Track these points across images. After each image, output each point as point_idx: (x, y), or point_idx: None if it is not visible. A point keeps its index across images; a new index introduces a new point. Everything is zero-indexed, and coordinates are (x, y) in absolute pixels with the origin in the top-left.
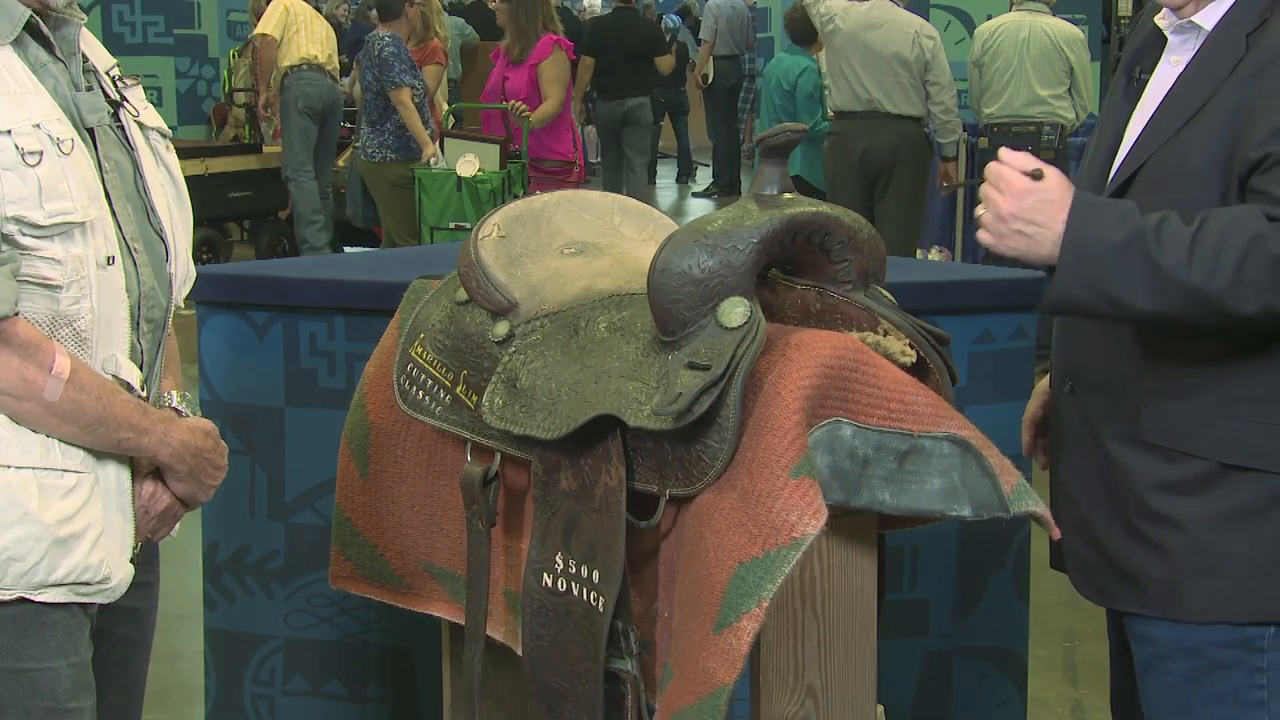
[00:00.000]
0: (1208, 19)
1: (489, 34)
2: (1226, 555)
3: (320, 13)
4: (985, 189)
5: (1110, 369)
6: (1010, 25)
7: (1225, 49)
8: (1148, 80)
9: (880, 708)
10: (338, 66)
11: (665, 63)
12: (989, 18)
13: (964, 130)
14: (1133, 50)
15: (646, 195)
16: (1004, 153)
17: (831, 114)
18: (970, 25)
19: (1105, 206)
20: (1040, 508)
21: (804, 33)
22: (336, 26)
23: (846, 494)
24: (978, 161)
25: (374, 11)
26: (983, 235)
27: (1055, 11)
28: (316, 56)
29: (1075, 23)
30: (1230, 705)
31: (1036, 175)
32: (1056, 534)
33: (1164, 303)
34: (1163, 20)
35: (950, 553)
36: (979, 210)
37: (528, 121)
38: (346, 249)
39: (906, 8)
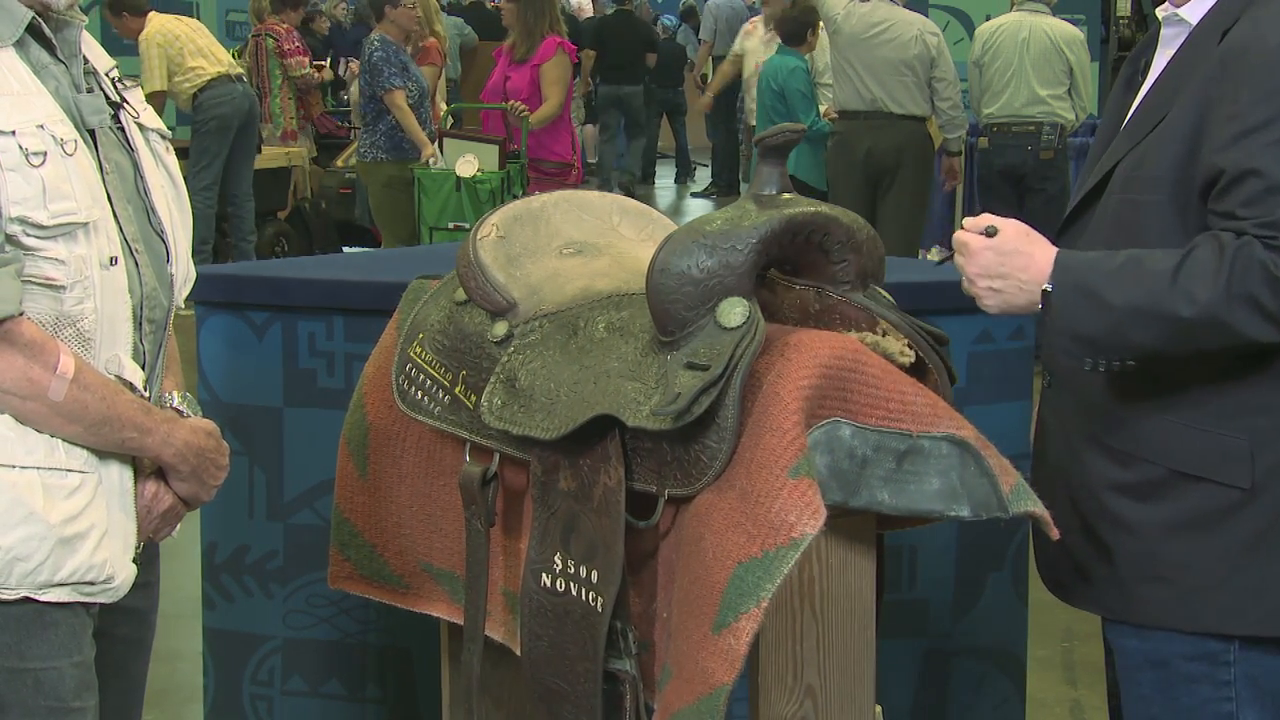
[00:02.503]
0: (1193, 13)
1: (488, 34)
2: (1175, 564)
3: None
4: (956, 256)
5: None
6: (1010, 25)
7: (1201, 47)
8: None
9: (879, 708)
10: (236, 63)
11: (650, 58)
12: (988, 18)
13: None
14: (1144, 39)
15: (645, 195)
16: (967, 220)
17: (827, 112)
18: (969, 25)
19: (1084, 255)
20: (1039, 508)
21: (793, 33)
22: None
23: (845, 494)
24: (977, 161)
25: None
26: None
27: (1055, 11)
28: (219, 72)
29: (1075, 23)
30: (1199, 718)
31: (990, 232)
32: (1055, 534)
33: (1164, 321)
34: (1162, 11)
35: (949, 553)
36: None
37: (527, 122)
38: (346, 249)
39: (907, 7)
